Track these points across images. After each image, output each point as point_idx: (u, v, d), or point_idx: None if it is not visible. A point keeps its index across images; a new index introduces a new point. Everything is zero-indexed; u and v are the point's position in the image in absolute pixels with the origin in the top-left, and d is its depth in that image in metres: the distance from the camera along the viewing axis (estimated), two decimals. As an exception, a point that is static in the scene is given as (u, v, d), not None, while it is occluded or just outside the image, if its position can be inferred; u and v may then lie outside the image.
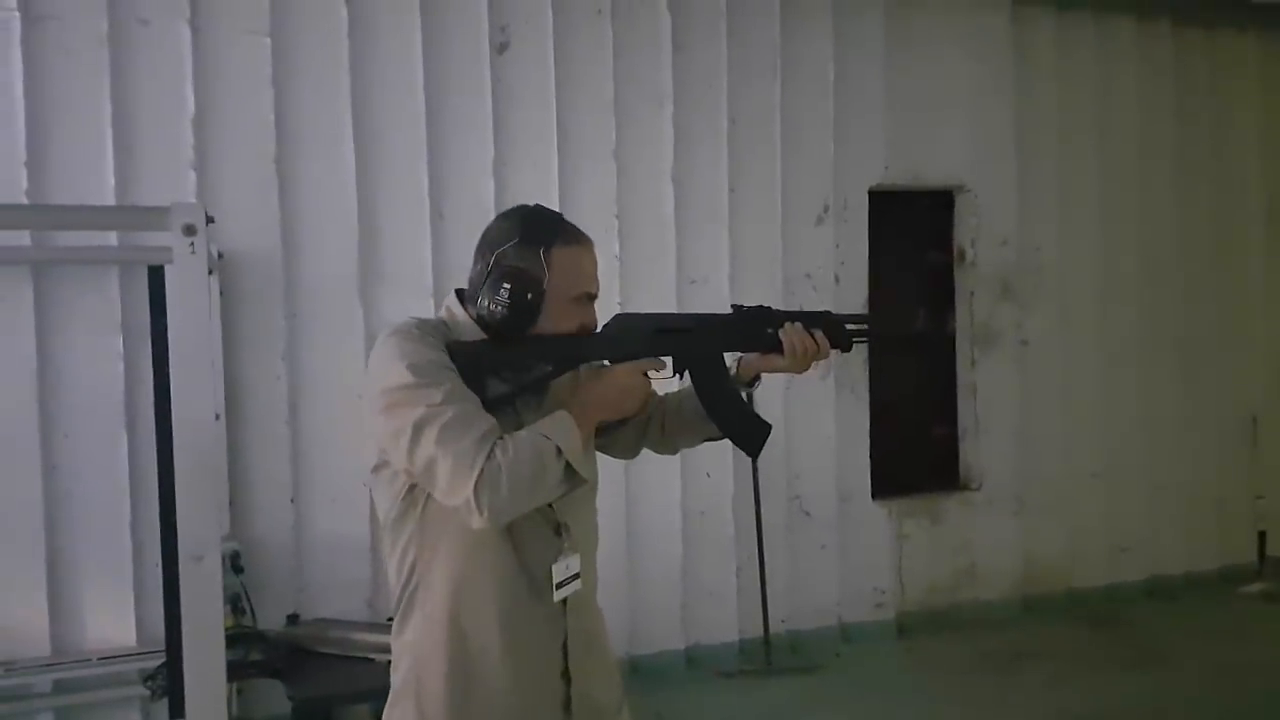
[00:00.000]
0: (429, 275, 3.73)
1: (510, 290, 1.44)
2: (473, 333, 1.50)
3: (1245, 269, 5.26)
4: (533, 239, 1.48)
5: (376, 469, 1.51)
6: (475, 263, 1.51)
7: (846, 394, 4.45)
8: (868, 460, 4.51)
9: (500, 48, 3.84)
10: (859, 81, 4.41)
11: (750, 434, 1.65)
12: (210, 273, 3.08)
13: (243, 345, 3.54)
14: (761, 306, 1.64)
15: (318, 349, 3.61)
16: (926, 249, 4.79)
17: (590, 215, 3.94)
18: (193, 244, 2.41)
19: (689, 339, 1.60)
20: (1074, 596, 4.88)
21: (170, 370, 2.39)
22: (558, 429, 1.43)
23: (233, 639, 2.89)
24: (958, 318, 4.78)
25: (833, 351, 1.64)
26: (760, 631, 4.21)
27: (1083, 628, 4.61)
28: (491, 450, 1.36)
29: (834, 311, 1.66)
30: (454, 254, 3.77)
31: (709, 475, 4.18)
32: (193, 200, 3.27)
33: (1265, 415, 5.27)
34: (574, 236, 1.52)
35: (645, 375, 1.56)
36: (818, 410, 4.38)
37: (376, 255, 3.70)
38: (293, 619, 3.22)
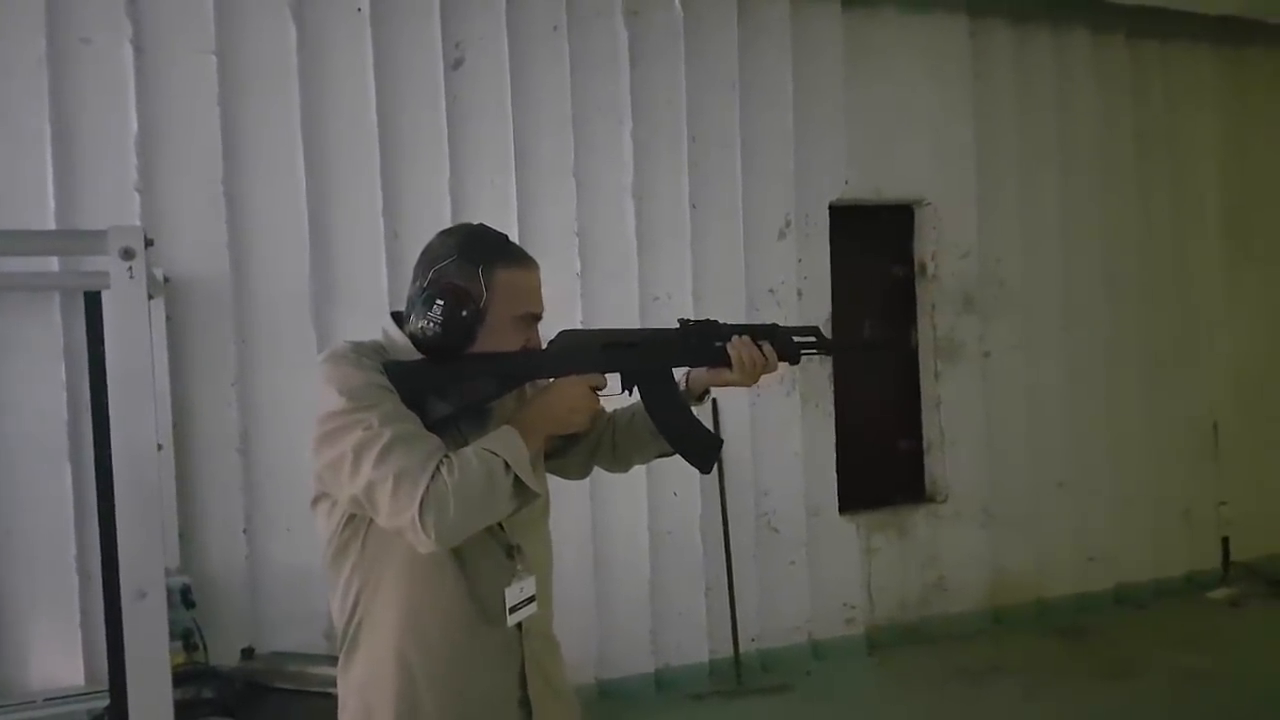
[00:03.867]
0: (385, 297, 3.65)
1: (443, 307, 1.39)
2: (409, 353, 1.45)
3: (1204, 278, 5.32)
4: (472, 257, 1.43)
5: (315, 501, 1.47)
6: (413, 280, 1.47)
7: (812, 409, 4.42)
8: (835, 475, 4.49)
9: (455, 63, 3.79)
10: (818, 96, 4.41)
11: (701, 449, 1.62)
12: (152, 297, 2.99)
13: (191, 372, 3.44)
14: (708, 320, 1.61)
15: (270, 375, 3.52)
16: (888, 262, 4.80)
17: (550, 233, 3.91)
18: (131, 268, 2.33)
19: (636, 354, 1.57)
20: (1043, 607, 4.88)
21: (109, 399, 2.31)
22: (504, 444, 1.38)
23: (184, 676, 2.84)
24: (920, 331, 4.78)
25: (782, 364, 1.61)
26: (730, 651, 4.16)
27: (1053, 638, 4.61)
28: (436, 469, 1.31)
29: (782, 325, 1.64)
30: (410, 275, 3.69)
31: (675, 494, 4.13)
32: (137, 223, 3.18)
33: (1226, 422, 5.33)
34: (516, 257, 1.48)
35: (593, 390, 1.51)
36: (784, 426, 4.36)
37: (330, 277, 3.62)
38: (247, 654, 3.13)
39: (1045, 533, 4.88)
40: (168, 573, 3.16)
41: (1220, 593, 5.14)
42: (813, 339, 1.64)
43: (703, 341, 1.58)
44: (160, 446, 2.55)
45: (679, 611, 4.13)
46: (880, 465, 4.78)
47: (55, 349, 3.23)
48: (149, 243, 2.36)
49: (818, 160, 4.41)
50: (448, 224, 3.66)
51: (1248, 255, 5.40)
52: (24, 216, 3.19)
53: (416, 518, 1.29)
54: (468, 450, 1.36)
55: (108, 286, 2.33)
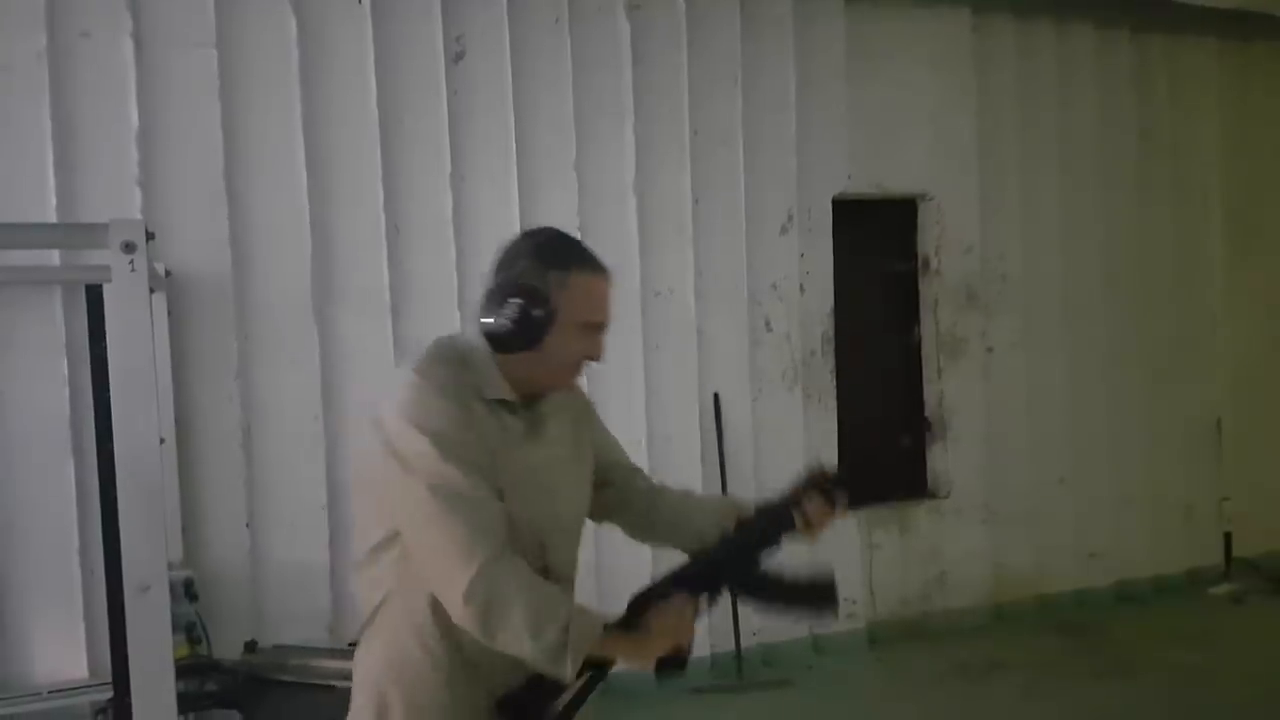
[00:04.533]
0: (386, 292, 3.65)
1: (517, 306, 1.44)
2: (486, 351, 1.48)
3: (1206, 274, 5.31)
4: (548, 260, 1.47)
5: (367, 488, 1.48)
6: (490, 279, 1.51)
7: (815, 405, 4.42)
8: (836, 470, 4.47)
9: (456, 57, 3.78)
10: (821, 91, 4.39)
11: (819, 605, 1.64)
12: (154, 291, 2.99)
13: (193, 367, 3.44)
14: (775, 505, 1.60)
15: (272, 370, 3.52)
16: (891, 258, 4.79)
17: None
18: (132, 261, 2.33)
19: (718, 573, 1.58)
20: (1044, 603, 4.88)
21: (111, 393, 2.31)
22: (584, 619, 1.38)
23: (187, 669, 2.83)
24: (923, 326, 4.78)
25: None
26: (732, 645, 4.16)
27: (1053, 635, 4.61)
28: (493, 565, 1.34)
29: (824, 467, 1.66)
30: (411, 269, 3.70)
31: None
32: (137, 217, 3.17)
33: (1229, 418, 5.31)
34: (591, 264, 1.51)
35: (690, 614, 1.52)
36: (787, 421, 4.35)
37: (331, 272, 3.62)
38: (250, 647, 3.12)
39: (1046, 529, 4.87)
40: (170, 567, 3.16)
41: (1222, 589, 5.13)
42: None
43: (775, 524, 1.59)
44: (162, 441, 2.55)
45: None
46: (883, 460, 4.77)
47: (57, 344, 3.24)
48: (150, 236, 2.36)
49: (820, 155, 4.39)
50: (449, 219, 3.72)
51: (1250, 251, 5.38)
52: (25, 211, 3.19)
53: (462, 615, 1.35)
54: (541, 592, 1.37)
55: (109, 280, 2.33)
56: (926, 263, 4.75)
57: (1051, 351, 4.91)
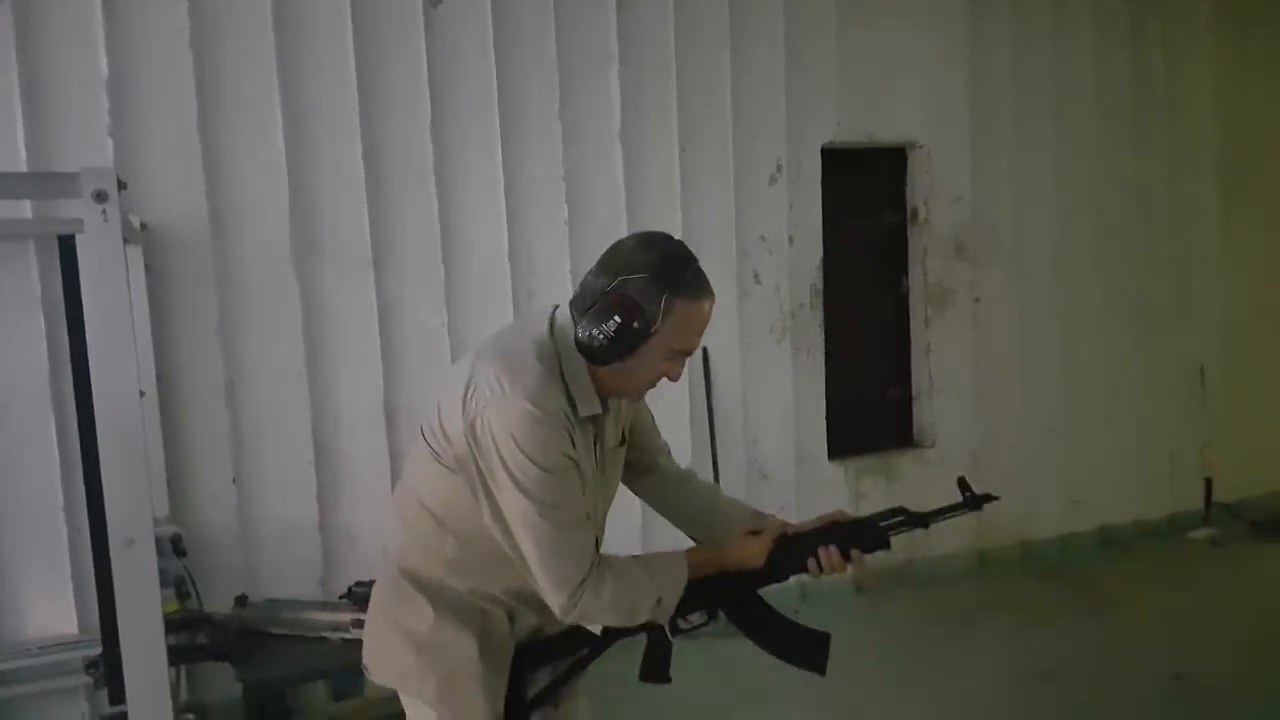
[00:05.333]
0: (368, 246, 3.59)
1: (618, 325, 1.44)
2: (574, 354, 1.51)
3: (1197, 224, 5.30)
4: (661, 282, 1.46)
5: (441, 460, 1.53)
6: (596, 275, 1.50)
7: (803, 357, 4.41)
8: (824, 422, 4.50)
9: (435, 2, 3.68)
10: (811, 37, 4.31)
11: (810, 653, 1.66)
12: (130, 244, 2.93)
13: (173, 322, 3.38)
14: (792, 537, 1.65)
15: (253, 325, 3.47)
16: (879, 209, 4.75)
17: (536, 180, 3.84)
18: (105, 211, 2.27)
19: (712, 595, 1.64)
20: (1028, 549, 4.94)
21: (88, 345, 2.27)
22: (671, 578, 1.57)
23: (178, 623, 2.82)
24: (911, 277, 4.76)
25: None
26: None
27: (1037, 580, 4.68)
28: (588, 581, 1.48)
29: (864, 517, 1.68)
30: (393, 222, 3.64)
31: (665, 443, 4.12)
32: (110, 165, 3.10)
33: (1213, 367, 5.35)
34: (700, 291, 1.50)
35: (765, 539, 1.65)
36: (775, 374, 4.35)
37: (311, 225, 3.55)
38: (241, 601, 3.12)
39: (1031, 477, 4.91)
40: (157, 522, 3.14)
41: (1201, 533, 5.22)
42: (901, 519, 1.67)
43: (789, 559, 1.64)
44: (143, 394, 2.52)
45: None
46: (870, 411, 4.79)
47: (32, 300, 3.17)
48: (122, 185, 2.30)
49: (810, 103, 4.33)
50: (430, 169, 3.66)
51: (1242, 201, 5.37)
52: (-6, 164, 3.11)
53: (563, 610, 1.51)
54: (633, 573, 1.54)
55: (81, 231, 2.28)
56: (915, 213, 4.71)
57: (1040, 302, 4.90)
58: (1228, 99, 5.30)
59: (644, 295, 1.44)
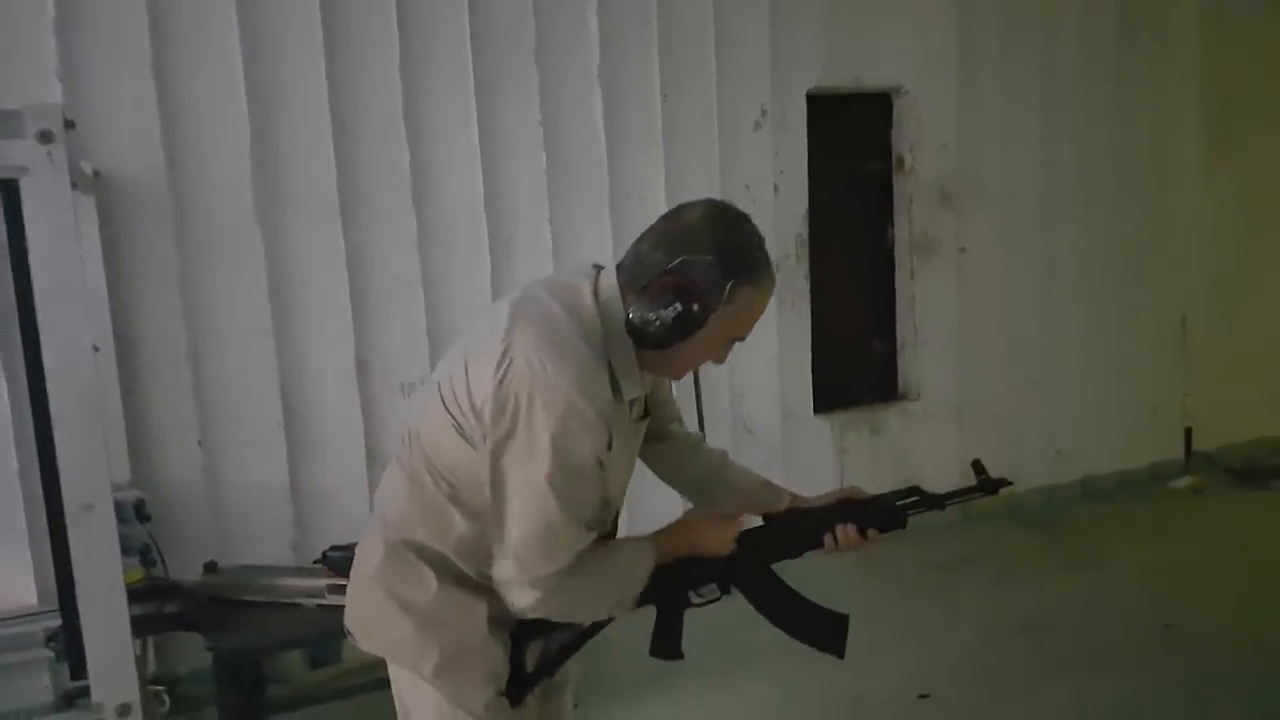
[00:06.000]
0: (335, 194, 3.42)
1: (679, 311, 1.33)
2: (620, 331, 1.38)
3: (1181, 174, 5.24)
4: (728, 268, 1.36)
5: (465, 434, 1.38)
6: (654, 248, 1.38)
7: (789, 310, 4.32)
8: (810, 376, 4.43)
9: (402, -65, 3.48)
10: (795, -22, 4.16)
11: (828, 635, 1.58)
12: (82, 192, 2.75)
13: (130, 276, 3.21)
14: (802, 512, 1.60)
15: (216, 278, 3.30)
16: (865, 157, 4.64)
17: (511, 124, 3.67)
18: (50, 153, 2.13)
19: (728, 571, 1.55)
20: (1012, 501, 4.91)
21: (35, 296, 2.12)
22: (635, 572, 1.46)
23: (143, 592, 2.72)
24: (896, 227, 4.67)
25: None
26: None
27: (1021, 531, 4.67)
28: (563, 585, 1.37)
29: (881, 494, 1.61)
30: (361, 169, 3.47)
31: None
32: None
33: (1195, 316, 5.34)
34: (765, 279, 1.42)
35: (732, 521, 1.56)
36: (761, 328, 4.20)
37: (273, 173, 3.36)
38: (210, 568, 3.01)
39: (1015, 429, 4.89)
40: (119, 487, 3.01)
41: (1182, 482, 5.23)
42: (917, 499, 1.60)
43: (802, 541, 1.57)
44: (97, 349, 2.37)
45: (648, 515, 4.06)
46: (855, 365, 4.72)
47: (-23, 252, 2.98)
48: (69, 124, 2.14)
49: (795, 47, 4.18)
50: (399, 113, 3.47)
51: (1226, 151, 5.31)
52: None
53: (519, 603, 1.39)
54: (614, 570, 1.45)
55: (26, 174, 2.12)
56: (901, 161, 4.61)
57: (1024, 252, 4.84)
58: (1212, 49, 5.22)
59: (708, 280, 1.34)
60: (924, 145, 4.58)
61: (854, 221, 4.66)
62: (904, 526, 1.58)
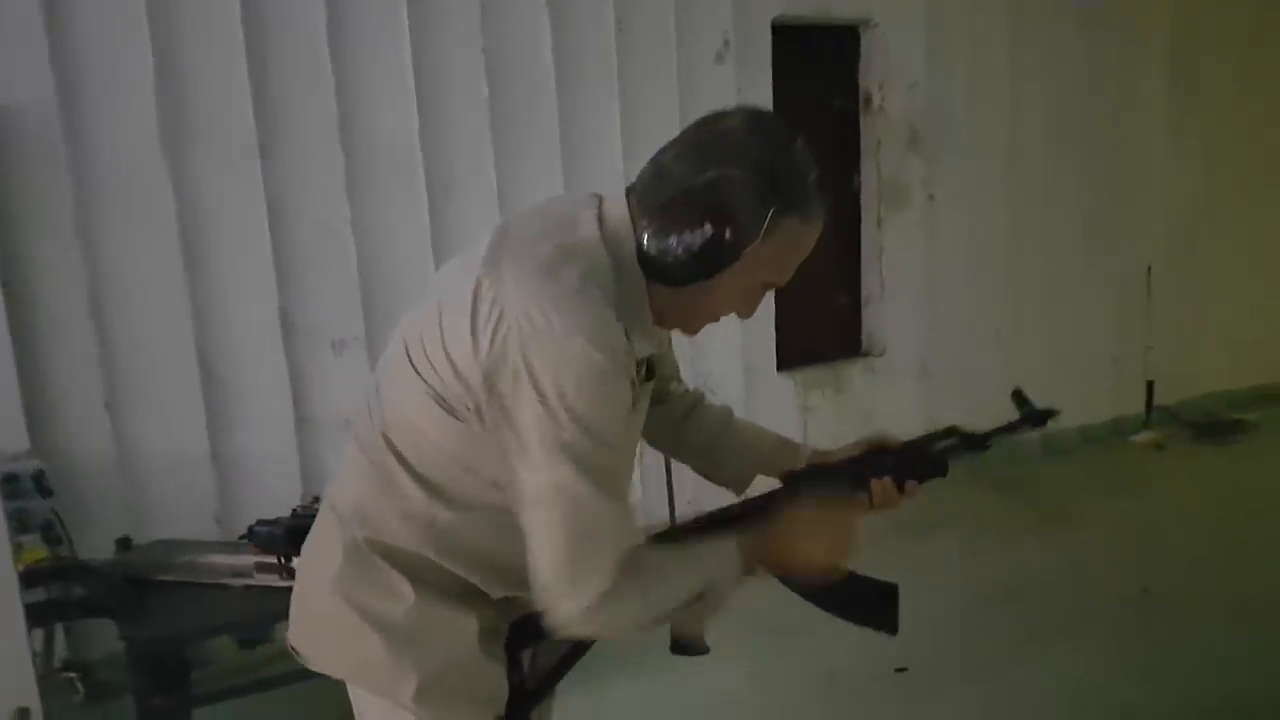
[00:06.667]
0: (252, 130, 3.08)
1: (709, 236, 1.07)
2: (632, 264, 1.11)
3: (1147, 122, 5.11)
4: (775, 193, 1.08)
5: (446, 403, 1.11)
6: (679, 159, 1.10)
7: (749, 259, 4.10)
8: (773, 332, 4.23)
9: None
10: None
11: (878, 611, 1.34)
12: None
13: (21, 222, 2.86)
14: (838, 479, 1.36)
15: (119, 224, 2.96)
16: (831, 95, 4.39)
17: (450, 54, 3.34)
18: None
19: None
20: (974, 458, 4.81)
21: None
22: (723, 570, 1.20)
23: (45, 573, 2.47)
24: (864, 172, 4.46)
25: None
26: (666, 514, 3.95)
27: (987, 490, 4.56)
28: (620, 582, 1.09)
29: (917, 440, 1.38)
30: (281, 102, 3.12)
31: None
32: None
33: (1159, 267, 5.25)
34: (814, 212, 1.14)
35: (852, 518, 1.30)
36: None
37: (182, 108, 3.01)
38: (124, 544, 2.73)
39: (979, 384, 4.74)
40: (15, 457, 2.73)
41: (1143, 436, 5.19)
42: (955, 440, 1.39)
43: (834, 494, 1.34)
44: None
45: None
46: (819, 320, 4.53)
47: None
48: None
49: (759, -29, 3.91)
50: (324, 41, 3.11)
51: (1194, 102, 5.19)
52: None
53: (574, 615, 1.09)
54: (678, 571, 1.18)
55: None
56: (869, 100, 4.37)
57: (991, 201, 4.67)
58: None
59: (746, 200, 1.07)
60: (893, 83, 4.35)
61: (820, 165, 4.42)
62: (945, 474, 1.37)
